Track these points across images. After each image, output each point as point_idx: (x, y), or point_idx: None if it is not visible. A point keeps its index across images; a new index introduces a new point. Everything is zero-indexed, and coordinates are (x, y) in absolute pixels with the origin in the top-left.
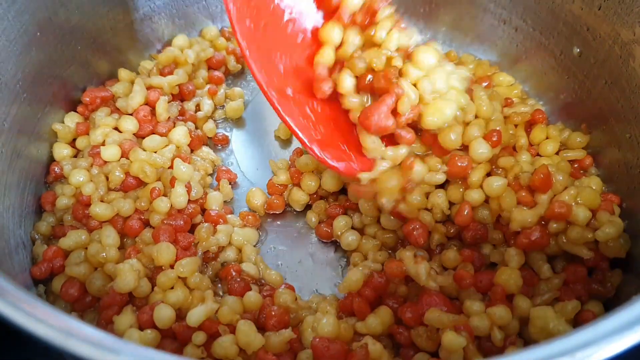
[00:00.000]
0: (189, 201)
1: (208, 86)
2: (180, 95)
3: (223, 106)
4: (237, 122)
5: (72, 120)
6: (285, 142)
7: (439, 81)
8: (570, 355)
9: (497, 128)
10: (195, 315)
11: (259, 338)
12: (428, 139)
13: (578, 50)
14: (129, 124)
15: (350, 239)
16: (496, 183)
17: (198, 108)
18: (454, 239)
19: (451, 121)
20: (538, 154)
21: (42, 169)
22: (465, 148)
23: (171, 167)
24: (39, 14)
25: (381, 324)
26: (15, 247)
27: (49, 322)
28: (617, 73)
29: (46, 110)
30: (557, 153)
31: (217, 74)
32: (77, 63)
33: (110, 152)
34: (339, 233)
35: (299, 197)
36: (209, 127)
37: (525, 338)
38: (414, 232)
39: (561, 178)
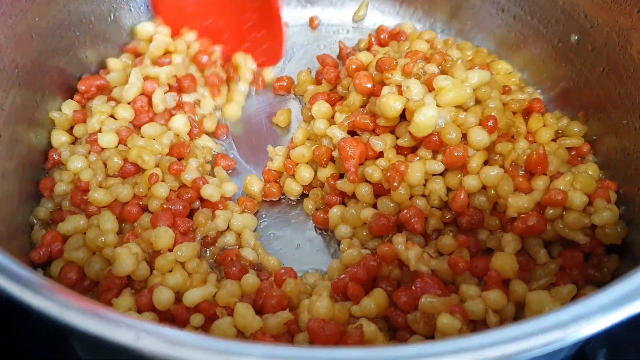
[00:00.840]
0: (187, 187)
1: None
2: (179, 88)
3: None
4: None
5: (69, 108)
6: (284, 130)
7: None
8: (563, 328)
9: (492, 114)
10: (192, 295)
11: (256, 320)
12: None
13: (576, 37)
14: (125, 112)
15: (343, 230)
16: (492, 172)
17: (197, 104)
18: (451, 225)
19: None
20: (535, 142)
21: (41, 155)
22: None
23: (169, 154)
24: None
25: (376, 307)
26: (14, 233)
27: (48, 296)
28: (615, 60)
29: (44, 98)
30: (555, 140)
31: (219, 72)
32: (75, 50)
33: (107, 139)
34: (334, 224)
35: (292, 188)
36: (208, 124)
37: None
38: (412, 220)
39: (556, 163)
